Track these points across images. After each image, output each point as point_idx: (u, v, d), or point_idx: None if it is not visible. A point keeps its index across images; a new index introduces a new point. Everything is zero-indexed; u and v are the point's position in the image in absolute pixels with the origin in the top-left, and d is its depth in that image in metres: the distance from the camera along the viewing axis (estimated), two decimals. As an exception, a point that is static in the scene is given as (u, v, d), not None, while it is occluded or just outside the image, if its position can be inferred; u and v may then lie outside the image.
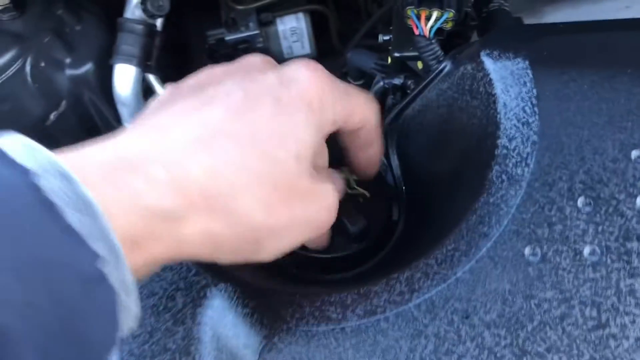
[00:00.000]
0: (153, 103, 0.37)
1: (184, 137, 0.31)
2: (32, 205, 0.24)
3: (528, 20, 0.60)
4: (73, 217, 0.25)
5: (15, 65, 0.57)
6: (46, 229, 0.24)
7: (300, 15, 0.81)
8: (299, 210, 0.34)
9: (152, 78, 0.63)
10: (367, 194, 0.47)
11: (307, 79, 0.36)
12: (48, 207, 0.24)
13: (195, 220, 0.31)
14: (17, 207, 0.24)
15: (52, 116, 0.61)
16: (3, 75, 0.56)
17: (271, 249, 0.34)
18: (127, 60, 0.60)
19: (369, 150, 0.43)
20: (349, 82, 0.74)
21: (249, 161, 0.32)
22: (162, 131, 0.32)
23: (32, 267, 0.23)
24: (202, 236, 0.31)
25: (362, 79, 0.73)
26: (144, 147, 0.30)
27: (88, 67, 0.62)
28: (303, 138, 0.35)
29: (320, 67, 0.38)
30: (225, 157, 0.31)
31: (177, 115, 0.33)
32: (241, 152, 0.32)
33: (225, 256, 0.34)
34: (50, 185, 0.25)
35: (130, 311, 0.28)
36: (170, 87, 0.38)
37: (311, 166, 0.35)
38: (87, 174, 0.27)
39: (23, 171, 0.25)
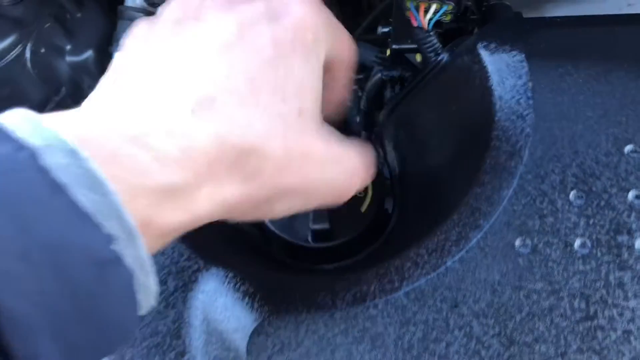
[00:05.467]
0: (132, 45, 0.33)
1: (184, 101, 0.29)
2: (39, 185, 0.22)
3: (528, 16, 0.60)
4: (83, 196, 0.23)
5: (15, 51, 0.57)
6: (55, 210, 0.22)
7: (302, 7, 0.81)
8: (313, 173, 0.32)
9: (151, 66, 0.63)
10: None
11: (302, 11, 0.32)
12: (56, 186, 0.23)
13: (205, 190, 0.29)
14: (23, 188, 0.22)
15: (51, 102, 0.61)
16: (3, 60, 0.57)
17: (283, 209, 0.33)
18: (127, 48, 0.61)
19: (343, 89, 0.39)
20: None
21: (254, 121, 0.30)
22: (160, 94, 0.29)
23: (43, 251, 0.22)
24: (212, 202, 0.30)
25: (363, 73, 0.74)
26: (147, 116, 0.28)
27: (88, 54, 0.62)
28: (305, 87, 0.32)
29: None
30: (230, 120, 0.29)
31: (169, 70, 0.30)
32: (245, 111, 0.29)
33: (238, 217, 0.32)
34: (57, 163, 0.23)
35: (148, 289, 0.27)
36: (145, 24, 0.34)
37: (320, 119, 0.33)
38: (93, 149, 0.25)
39: (27, 149, 0.23)
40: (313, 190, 0.33)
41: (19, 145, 0.23)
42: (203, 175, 0.29)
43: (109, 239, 0.24)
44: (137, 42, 0.33)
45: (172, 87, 0.29)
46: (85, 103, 0.30)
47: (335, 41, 0.35)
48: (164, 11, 0.34)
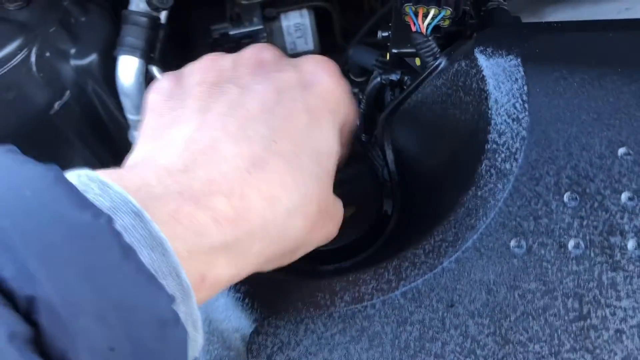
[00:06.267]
0: (157, 100, 0.35)
1: (236, 161, 0.31)
2: (110, 247, 0.24)
3: (527, 20, 0.61)
4: (147, 257, 0.25)
5: (20, 55, 0.58)
6: (125, 272, 0.24)
7: (305, 11, 0.81)
8: (328, 227, 0.36)
9: (155, 70, 0.64)
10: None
11: (329, 82, 0.35)
12: (126, 249, 0.24)
13: (253, 247, 0.31)
14: (100, 252, 0.23)
15: (56, 106, 0.62)
16: (8, 64, 0.57)
17: (299, 256, 0.36)
18: (131, 52, 0.61)
19: (345, 148, 0.41)
20: (350, 78, 0.75)
21: (298, 183, 0.32)
22: (214, 154, 0.31)
23: (114, 312, 0.23)
24: (256, 258, 0.32)
25: (364, 76, 0.74)
26: (201, 176, 0.30)
27: (92, 58, 0.63)
28: (331, 151, 0.35)
29: (335, 65, 0.37)
30: (280, 181, 0.31)
31: (216, 131, 0.32)
32: (291, 173, 0.32)
33: (269, 267, 0.35)
34: (124, 225, 0.25)
35: (196, 343, 0.28)
36: (172, 81, 0.36)
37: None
38: (154, 209, 0.26)
39: (105, 215, 0.24)
40: (323, 240, 0.37)
41: (97, 212, 0.24)
42: (253, 233, 0.30)
43: (171, 300, 0.25)
44: (169, 99, 0.35)
45: (224, 148, 0.31)
46: (136, 159, 0.32)
47: (347, 108, 0.38)
48: (193, 70, 0.36)
